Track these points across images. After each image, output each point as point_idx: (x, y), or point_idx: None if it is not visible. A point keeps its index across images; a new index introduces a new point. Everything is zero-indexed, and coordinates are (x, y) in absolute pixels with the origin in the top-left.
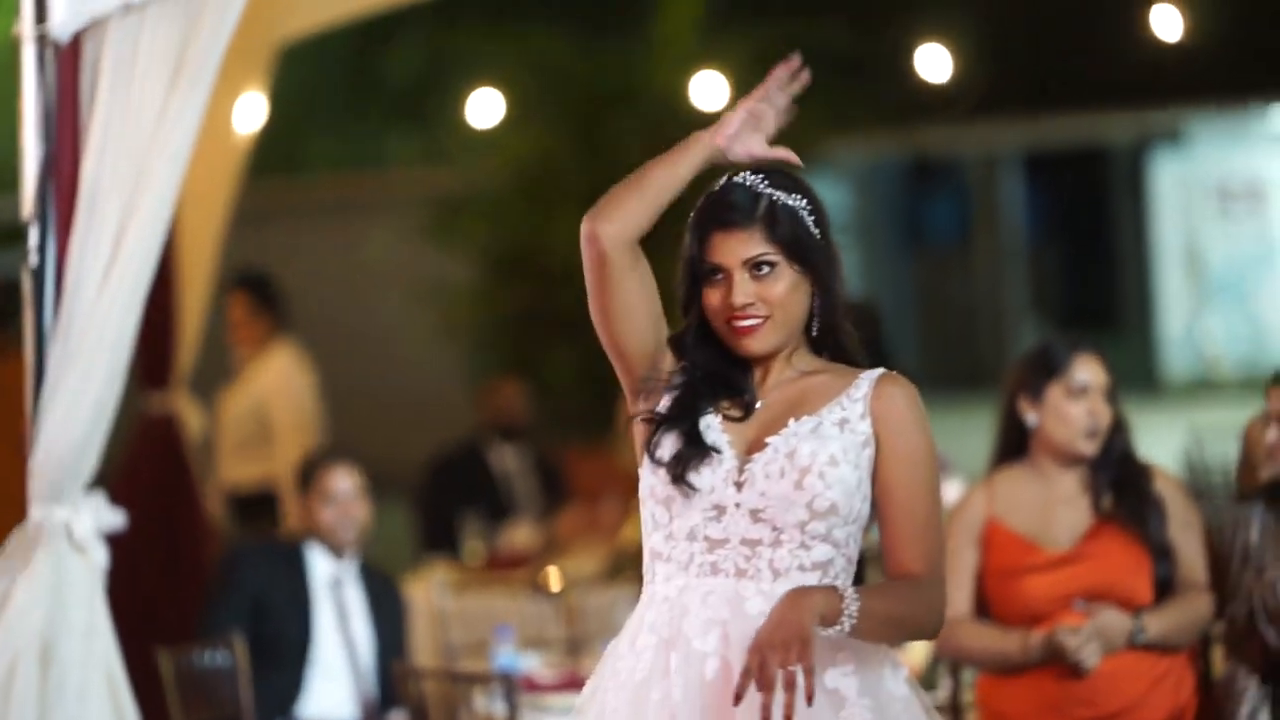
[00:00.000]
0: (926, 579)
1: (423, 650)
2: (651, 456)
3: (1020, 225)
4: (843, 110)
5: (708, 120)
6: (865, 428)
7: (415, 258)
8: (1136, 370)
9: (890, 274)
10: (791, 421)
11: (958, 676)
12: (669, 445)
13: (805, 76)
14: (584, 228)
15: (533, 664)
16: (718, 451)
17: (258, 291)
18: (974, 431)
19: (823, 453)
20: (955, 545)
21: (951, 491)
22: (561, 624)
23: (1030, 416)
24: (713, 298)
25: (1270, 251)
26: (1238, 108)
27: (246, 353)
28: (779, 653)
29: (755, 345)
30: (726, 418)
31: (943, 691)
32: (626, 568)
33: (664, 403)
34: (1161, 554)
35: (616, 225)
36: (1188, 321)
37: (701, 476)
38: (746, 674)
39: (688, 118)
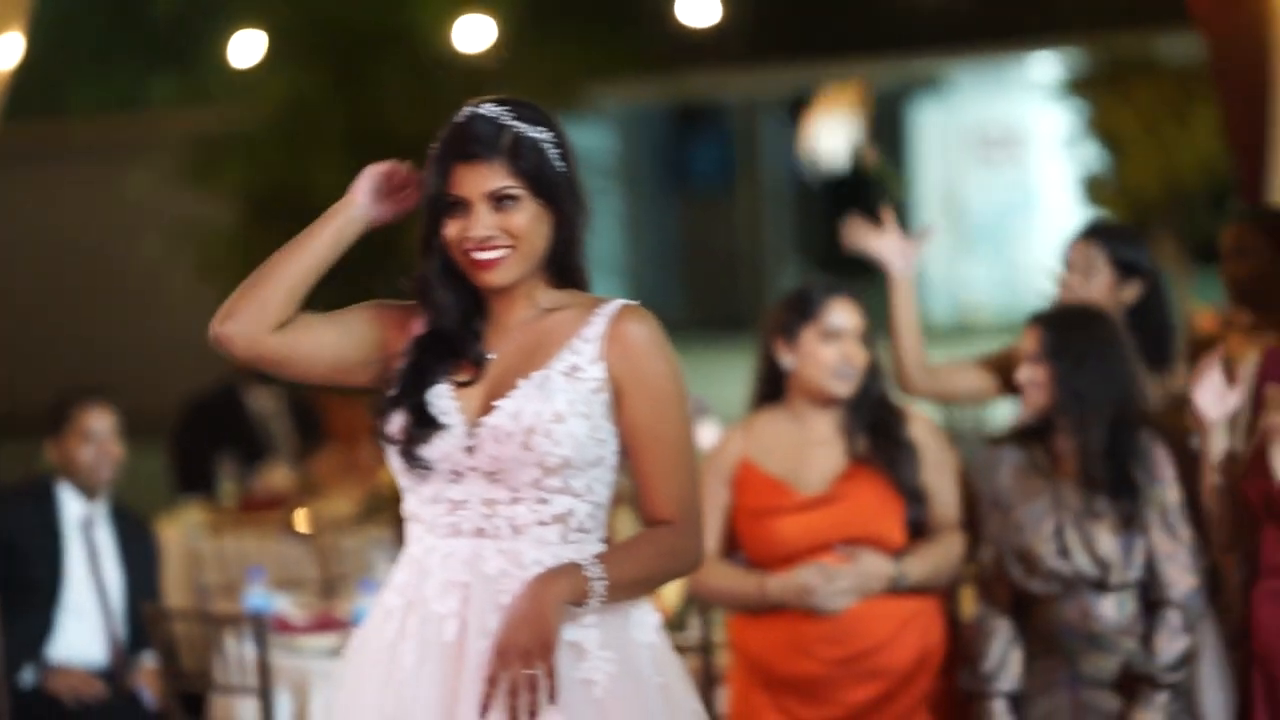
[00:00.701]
0: (679, 522)
1: (177, 592)
2: (382, 435)
3: (784, 170)
4: (607, 55)
5: (471, 64)
6: (598, 372)
7: (175, 199)
8: None
9: (655, 219)
10: (520, 381)
11: (707, 618)
12: (397, 422)
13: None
14: (211, 333)
15: (285, 605)
16: (444, 425)
17: None
18: (736, 375)
19: (547, 410)
20: (708, 483)
21: (708, 434)
22: (315, 565)
23: (786, 359)
24: (453, 229)
25: (1028, 198)
26: (997, 55)
27: None
28: (521, 659)
29: (496, 278)
30: (457, 384)
31: (693, 632)
32: (382, 509)
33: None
34: (913, 497)
35: (243, 325)
36: (947, 267)
37: (433, 448)
38: (492, 682)
39: (451, 61)
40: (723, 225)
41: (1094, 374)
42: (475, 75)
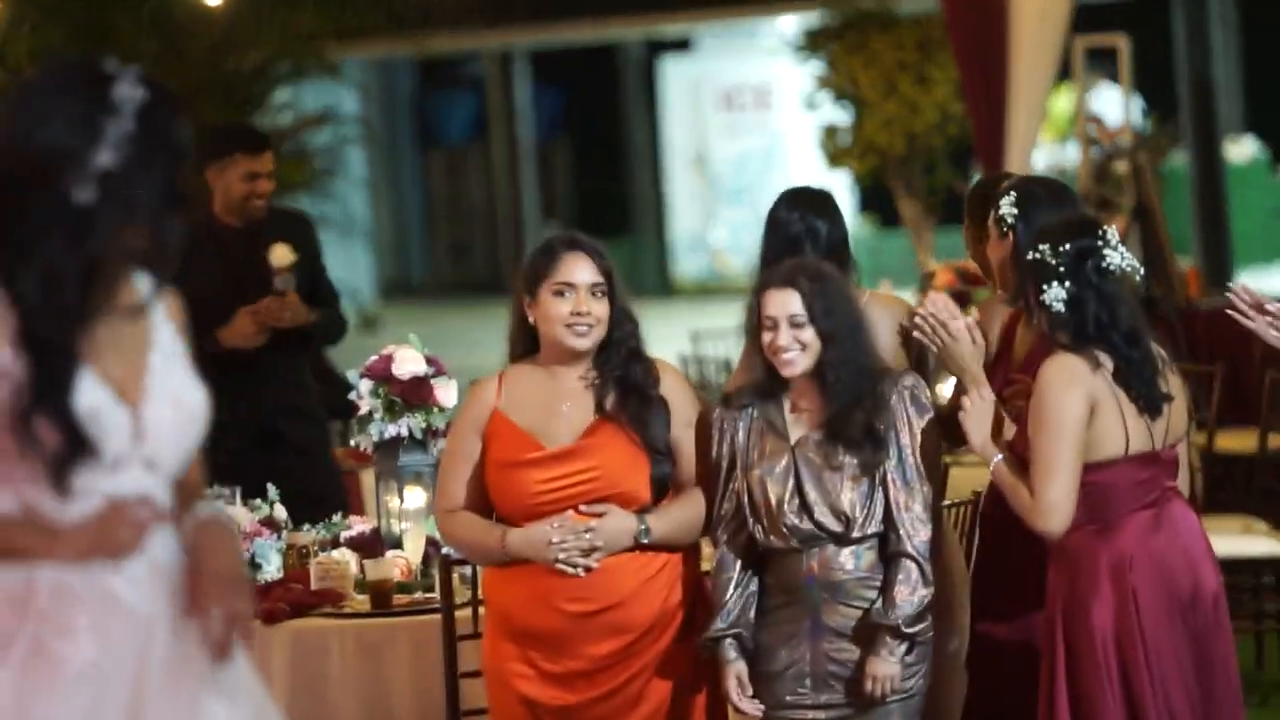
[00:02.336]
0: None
1: None
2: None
3: (533, 130)
4: (353, 12)
5: (212, 14)
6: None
7: None
8: (650, 272)
9: (406, 176)
10: (152, 357)
11: (446, 575)
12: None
13: None
14: None
15: None
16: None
17: None
18: (489, 333)
19: (190, 387)
20: (459, 434)
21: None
22: None
23: (531, 315)
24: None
25: (775, 155)
26: (743, 13)
27: None
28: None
29: None
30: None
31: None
32: None
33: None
34: (660, 453)
35: None
36: (698, 224)
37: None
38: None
39: (195, 10)
40: (474, 183)
41: (856, 333)
42: (221, 32)
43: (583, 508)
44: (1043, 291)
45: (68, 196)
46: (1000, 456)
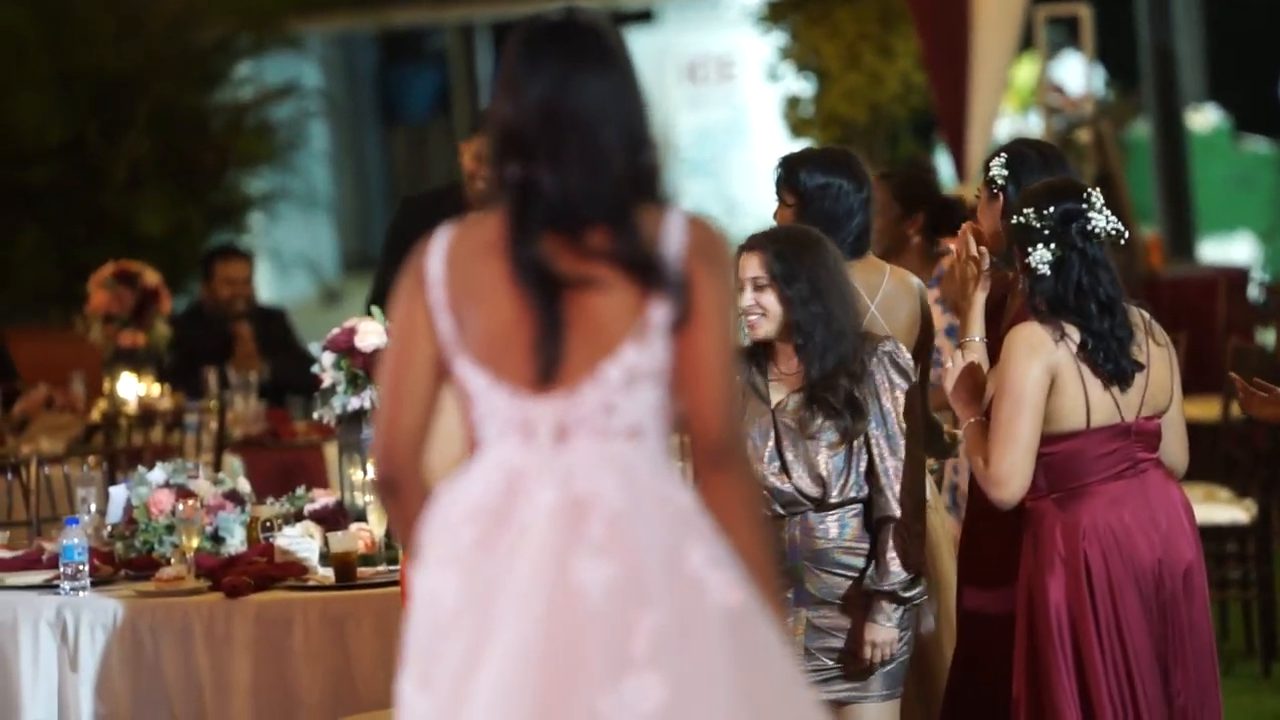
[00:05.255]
0: None
1: None
2: None
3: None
4: None
5: None
6: None
7: None
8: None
9: (369, 150)
10: None
11: None
12: None
13: None
14: None
15: None
16: None
17: None
18: None
19: None
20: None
21: None
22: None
23: None
24: None
25: (737, 128)
26: None
27: None
28: None
29: None
30: None
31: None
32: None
33: None
34: None
35: None
36: None
37: None
38: None
39: None
40: (437, 157)
41: (827, 296)
42: (180, 7)
43: None
44: (1028, 254)
45: None
46: (972, 420)
